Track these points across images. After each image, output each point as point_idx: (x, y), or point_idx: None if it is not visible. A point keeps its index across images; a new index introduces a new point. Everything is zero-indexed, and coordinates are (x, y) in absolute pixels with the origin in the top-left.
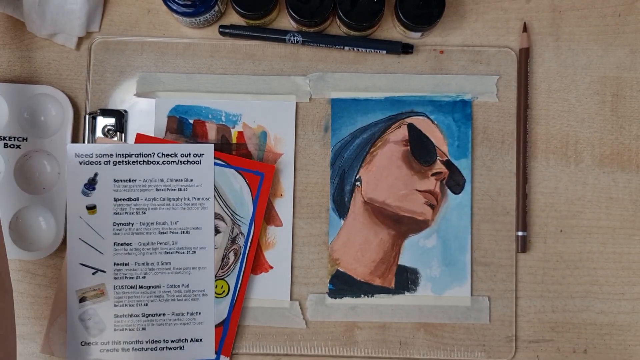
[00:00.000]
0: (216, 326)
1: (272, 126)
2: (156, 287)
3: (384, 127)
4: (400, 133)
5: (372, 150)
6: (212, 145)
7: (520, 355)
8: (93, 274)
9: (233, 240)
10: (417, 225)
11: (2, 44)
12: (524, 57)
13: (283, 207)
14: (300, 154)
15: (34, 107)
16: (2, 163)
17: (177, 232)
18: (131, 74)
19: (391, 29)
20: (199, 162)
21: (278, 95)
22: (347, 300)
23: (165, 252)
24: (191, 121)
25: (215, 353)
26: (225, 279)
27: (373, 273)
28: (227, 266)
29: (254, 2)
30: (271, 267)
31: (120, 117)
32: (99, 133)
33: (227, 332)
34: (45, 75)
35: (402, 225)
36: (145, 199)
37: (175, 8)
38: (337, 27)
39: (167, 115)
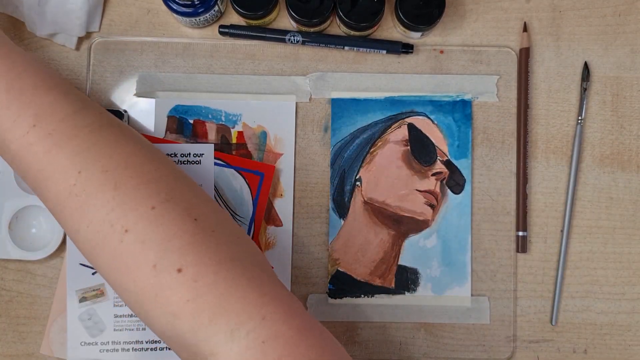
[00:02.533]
0: None
1: (272, 126)
2: None
3: (384, 127)
4: (400, 133)
5: (372, 150)
6: (212, 145)
7: (520, 355)
8: (93, 274)
9: None
10: (417, 225)
11: None
12: (524, 57)
13: (283, 207)
14: (300, 154)
15: None
16: (2, 163)
17: None
18: (131, 74)
19: (391, 29)
20: (198, 162)
21: (278, 95)
22: (347, 300)
23: None
24: (191, 121)
25: None
26: None
27: (373, 273)
28: None
29: (254, 2)
30: (271, 267)
31: (120, 117)
32: None
33: None
34: None
35: (402, 225)
36: None
37: (175, 8)
38: (337, 27)
39: (167, 115)
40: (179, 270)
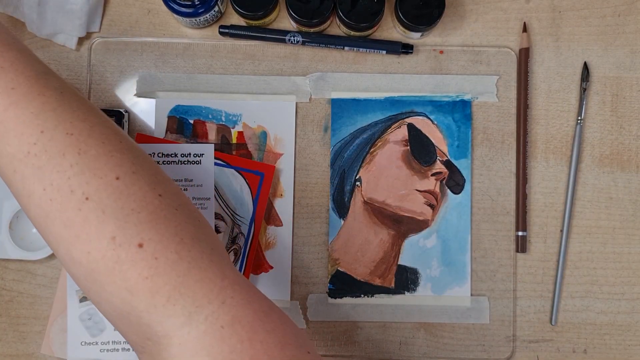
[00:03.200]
0: None
1: (272, 126)
2: None
3: (384, 127)
4: (400, 133)
5: (372, 150)
6: (212, 145)
7: (520, 355)
8: None
9: (233, 240)
10: (417, 225)
11: None
12: (524, 57)
13: (283, 207)
14: (300, 154)
15: None
16: None
17: None
18: (131, 74)
19: (391, 29)
20: (199, 162)
21: (278, 95)
22: (347, 300)
23: None
24: (191, 121)
25: None
26: None
27: (373, 273)
28: None
29: (254, 2)
30: (271, 267)
31: (120, 117)
32: None
33: None
34: None
35: (402, 225)
36: None
37: (175, 8)
38: (337, 27)
39: (167, 115)
40: (140, 245)
